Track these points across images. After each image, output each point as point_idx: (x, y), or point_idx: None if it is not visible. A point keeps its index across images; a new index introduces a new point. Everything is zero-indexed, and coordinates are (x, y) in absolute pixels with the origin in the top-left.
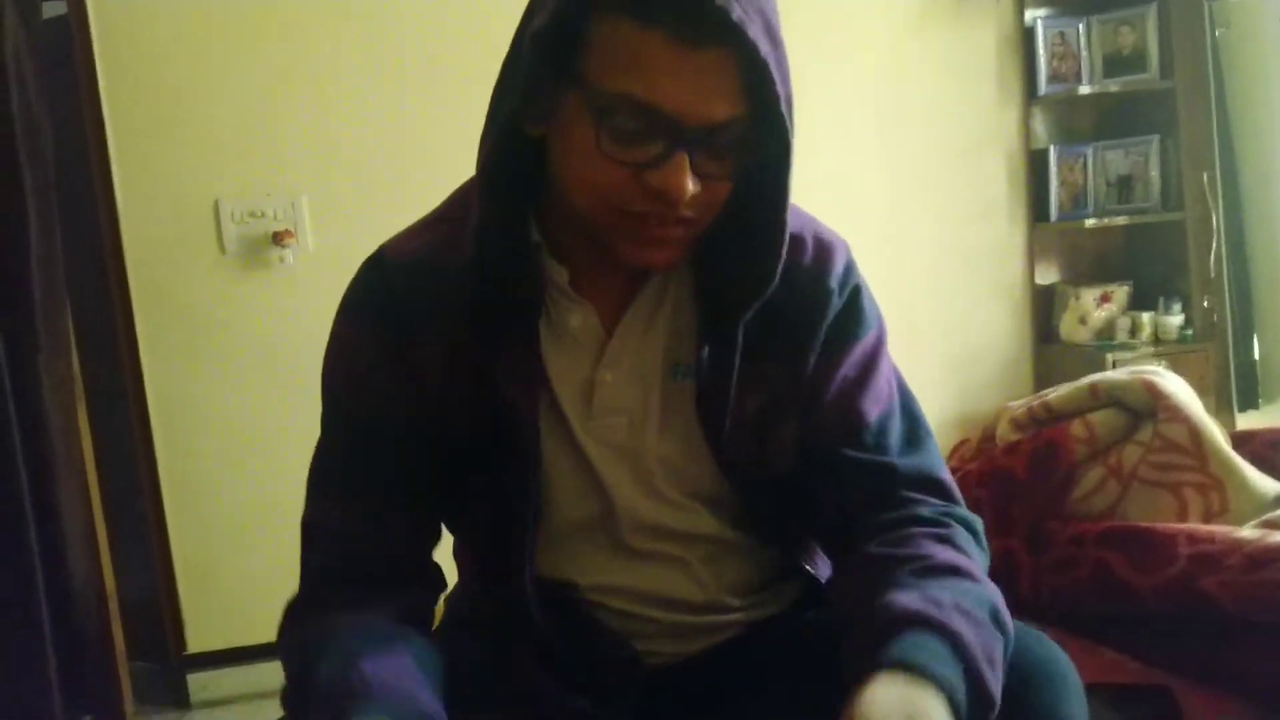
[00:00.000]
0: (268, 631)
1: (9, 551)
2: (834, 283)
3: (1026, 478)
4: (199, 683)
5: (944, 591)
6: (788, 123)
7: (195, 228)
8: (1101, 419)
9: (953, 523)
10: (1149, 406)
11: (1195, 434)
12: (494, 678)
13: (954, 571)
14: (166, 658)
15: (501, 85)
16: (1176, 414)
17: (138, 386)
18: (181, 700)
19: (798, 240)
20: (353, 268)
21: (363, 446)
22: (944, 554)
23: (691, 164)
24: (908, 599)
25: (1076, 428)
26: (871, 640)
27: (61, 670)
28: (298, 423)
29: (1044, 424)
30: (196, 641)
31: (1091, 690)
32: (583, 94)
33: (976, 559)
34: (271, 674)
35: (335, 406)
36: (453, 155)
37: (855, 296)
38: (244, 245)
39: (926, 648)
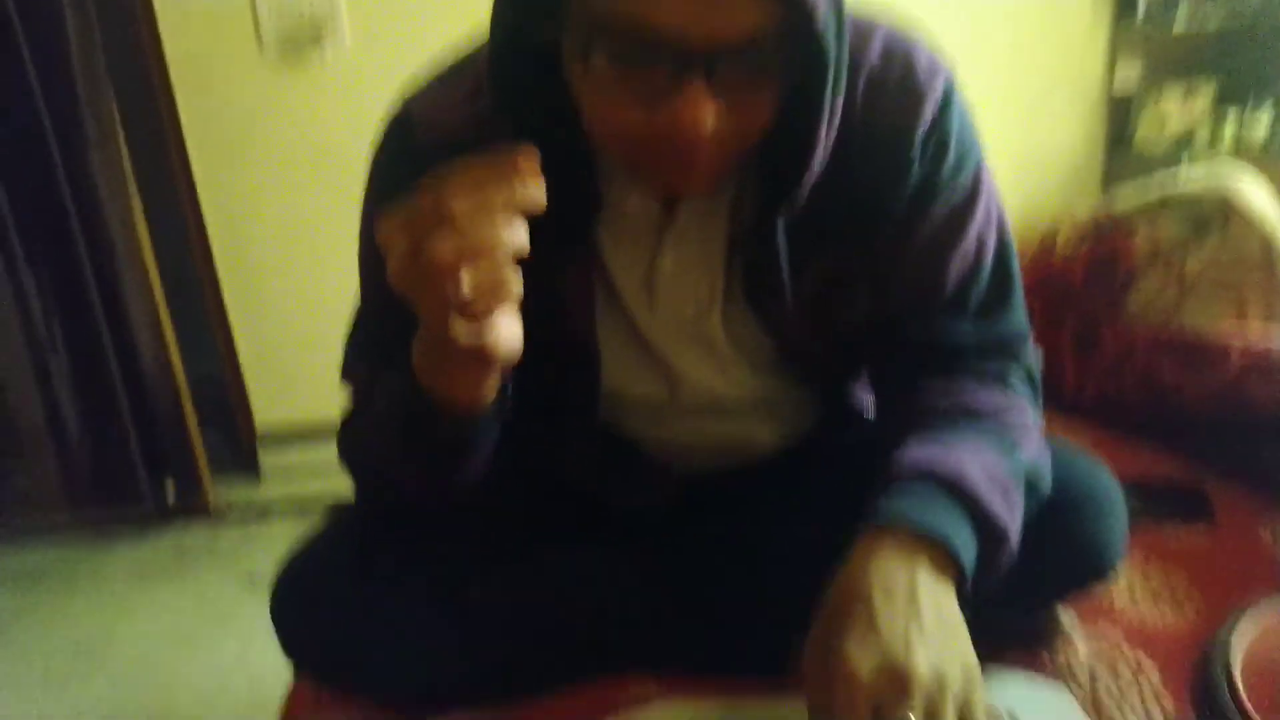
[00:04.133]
0: (330, 411)
1: (81, 336)
2: (916, 148)
3: (1082, 285)
4: (269, 456)
5: (963, 436)
6: (826, 42)
7: (232, 24)
8: (1167, 226)
9: (1011, 366)
10: (1221, 214)
11: (1266, 245)
12: (528, 483)
13: (991, 414)
14: (237, 434)
15: None
16: (1249, 223)
17: (188, 179)
18: (253, 472)
19: (880, 84)
20: (393, 67)
21: (402, 335)
22: (986, 396)
23: (714, 89)
24: (919, 446)
25: (1140, 235)
26: (875, 490)
27: (141, 443)
28: (346, 216)
29: (1107, 232)
30: (264, 420)
31: (1126, 487)
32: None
33: (1026, 401)
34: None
35: (371, 289)
36: None
37: (942, 152)
38: (283, 41)
39: (922, 503)
